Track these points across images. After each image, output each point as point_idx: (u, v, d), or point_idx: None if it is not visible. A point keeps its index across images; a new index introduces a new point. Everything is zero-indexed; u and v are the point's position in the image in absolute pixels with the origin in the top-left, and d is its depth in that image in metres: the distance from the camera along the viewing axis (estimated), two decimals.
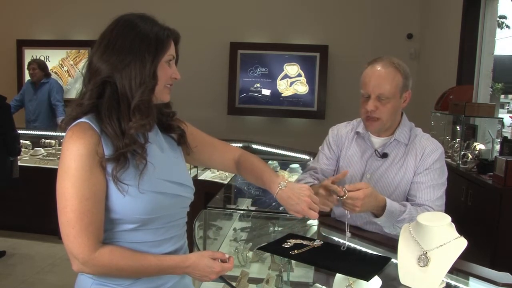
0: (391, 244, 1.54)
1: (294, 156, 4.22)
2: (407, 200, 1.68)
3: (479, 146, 3.46)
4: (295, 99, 5.88)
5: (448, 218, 1.32)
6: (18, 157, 4.41)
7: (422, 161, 1.67)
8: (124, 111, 1.09)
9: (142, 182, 1.09)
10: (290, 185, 1.26)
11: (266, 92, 5.90)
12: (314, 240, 1.63)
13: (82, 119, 1.08)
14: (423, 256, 1.30)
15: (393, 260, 1.46)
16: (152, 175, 1.12)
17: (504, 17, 12.70)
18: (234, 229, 2.36)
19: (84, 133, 1.05)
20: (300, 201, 1.23)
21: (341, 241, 1.73)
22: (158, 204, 1.12)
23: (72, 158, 1.03)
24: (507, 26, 13.30)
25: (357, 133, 1.79)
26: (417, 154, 1.68)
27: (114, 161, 1.06)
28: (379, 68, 1.62)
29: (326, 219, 1.85)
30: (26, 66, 5.82)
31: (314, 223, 2.01)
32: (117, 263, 1.06)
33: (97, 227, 1.06)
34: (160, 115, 1.24)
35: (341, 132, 1.84)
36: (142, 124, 1.09)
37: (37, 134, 4.82)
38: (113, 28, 1.11)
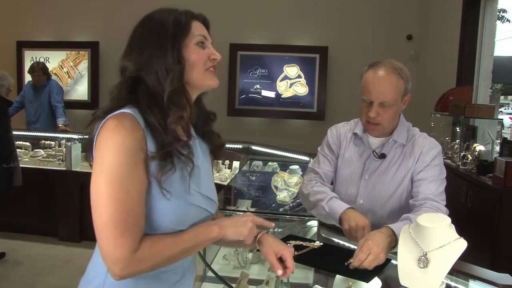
0: None
1: (293, 157, 4.22)
2: (411, 197, 1.68)
3: (479, 147, 3.46)
4: (295, 100, 5.88)
5: (447, 219, 1.32)
6: (18, 158, 4.42)
7: (421, 158, 1.67)
8: (161, 108, 1.02)
9: (186, 191, 1.03)
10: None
11: (266, 93, 5.91)
12: (314, 241, 1.63)
13: (126, 110, 0.99)
14: (423, 257, 1.30)
15: (393, 261, 1.46)
16: (192, 186, 1.05)
17: (505, 11, 12.73)
18: None
19: (128, 124, 0.96)
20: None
21: (341, 242, 1.74)
22: (188, 217, 1.05)
23: (114, 150, 0.93)
24: (508, 20, 13.31)
25: (355, 134, 1.79)
26: (415, 153, 1.69)
27: (160, 160, 0.98)
28: (381, 74, 1.60)
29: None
30: (26, 68, 5.83)
31: (314, 224, 2.01)
32: (157, 249, 0.98)
33: (140, 226, 0.97)
34: (202, 117, 1.21)
35: (340, 132, 1.84)
36: (180, 116, 1.02)
37: (37, 136, 4.82)
38: (135, 26, 1.09)
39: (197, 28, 1.09)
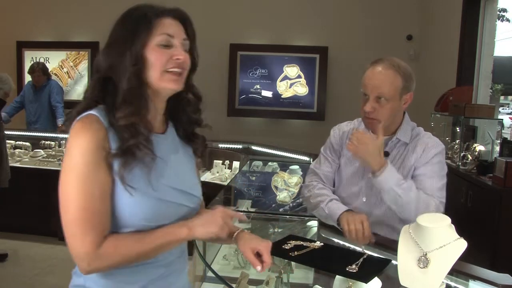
0: (391, 245, 1.54)
1: (294, 158, 4.22)
2: None
3: (479, 147, 3.46)
4: (295, 100, 5.88)
5: (447, 220, 1.32)
6: (18, 158, 4.43)
7: (423, 156, 1.69)
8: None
9: (149, 185, 1.03)
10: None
11: (266, 93, 5.91)
12: (314, 241, 1.62)
13: (92, 111, 1.03)
14: (423, 257, 1.29)
15: (393, 261, 1.46)
16: (162, 182, 1.06)
17: (505, 10, 12.74)
18: None
19: (91, 126, 1.00)
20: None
21: (341, 242, 1.74)
22: (160, 212, 1.06)
23: (79, 152, 0.98)
24: (507, 20, 13.33)
25: None
26: (417, 151, 1.70)
27: (121, 157, 1.00)
28: (379, 69, 1.64)
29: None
30: (26, 68, 5.83)
31: (314, 224, 2.01)
32: (123, 247, 1.01)
33: (105, 225, 1.00)
34: (188, 122, 1.19)
35: (343, 131, 1.87)
36: (129, 112, 1.02)
37: (37, 136, 4.82)
38: (115, 22, 1.09)
39: (163, 26, 1.06)
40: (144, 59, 1.04)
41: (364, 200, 1.75)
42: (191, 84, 1.18)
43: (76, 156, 0.98)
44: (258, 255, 1.14)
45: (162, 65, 1.05)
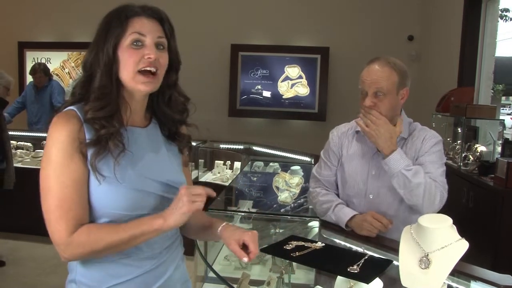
0: (393, 246, 1.54)
1: (295, 158, 4.22)
2: None
3: (480, 148, 3.46)
4: (296, 101, 5.88)
5: (449, 220, 1.32)
6: (19, 158, 4.43)
7: (422, 147, 1.74)
8: None
9: (123, 176, 1.05)
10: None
11: (267, 94, 5.91)
12: (316, 242, 1.63)
13: (71, 107, 1.09)
14: (424, 258, 1.30)
15: (394, 262, 1.46)
16: (137, 172, 1.09)
17: (507, 10, 12.71)
18: None
19: (67, 120, 1.05)
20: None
21: (342, 243, 1.74)
22: (135, 201, 1.08)
23: (53, 144, 1.04)
24: (511, 19, 13.31)
25: (357, 132, 1.84)
26: (417, 143, 1.76)
27: (94, 146, 1.04)
28: (376, 67, 1.71)
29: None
30: (27, 69, 5.84)
31: (315, 225, 2.01)
32: (96, 235, 1.03)
33: (79, 213, 1.05)
34: (171, 121, 1.21)
35: (341, 132, 1.91)
36: (94, 107, 1.05)
37: (39, 136, 4.82)
38: None
39: (135, 25, 1.08)
40: (117, 59, 1.08)
41: (371, 197, 1.78)
42: (174, 83, 1.19)
43: (51, 148, 1.04)
44: (245, 247, 1.13)
45: (134, 65, 1.07)
